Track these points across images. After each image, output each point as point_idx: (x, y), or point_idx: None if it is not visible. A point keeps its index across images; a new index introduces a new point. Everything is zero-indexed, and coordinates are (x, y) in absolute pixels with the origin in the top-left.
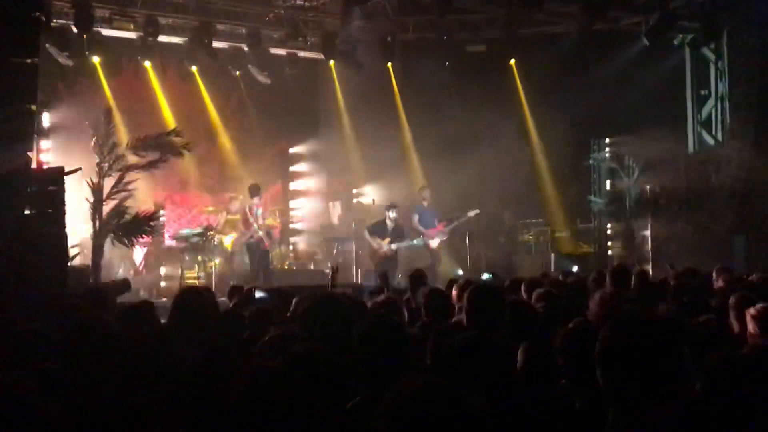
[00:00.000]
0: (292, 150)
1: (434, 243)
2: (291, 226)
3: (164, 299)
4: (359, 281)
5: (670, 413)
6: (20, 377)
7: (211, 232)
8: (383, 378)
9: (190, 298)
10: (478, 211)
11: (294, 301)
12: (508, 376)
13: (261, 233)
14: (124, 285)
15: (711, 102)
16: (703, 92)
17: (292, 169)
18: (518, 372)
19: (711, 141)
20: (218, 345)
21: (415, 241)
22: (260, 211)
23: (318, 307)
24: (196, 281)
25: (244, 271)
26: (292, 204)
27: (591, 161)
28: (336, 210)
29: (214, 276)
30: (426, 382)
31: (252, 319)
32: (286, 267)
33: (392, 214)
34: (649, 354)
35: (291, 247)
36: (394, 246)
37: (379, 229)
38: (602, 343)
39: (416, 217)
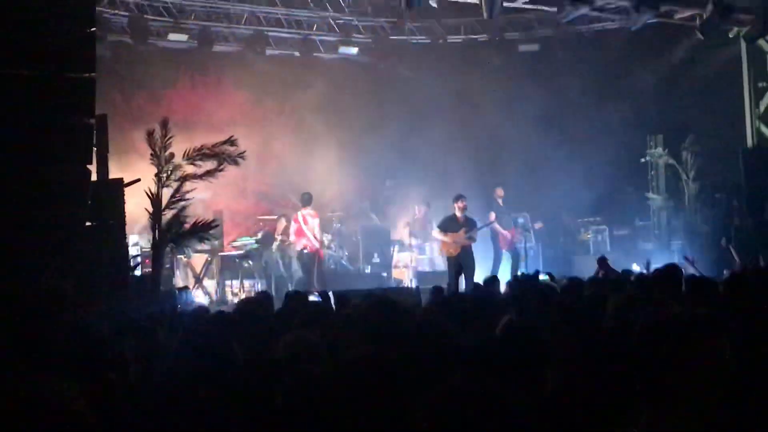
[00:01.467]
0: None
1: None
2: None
3: (224, 307)
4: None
5: None
6: (66, 385)
7: (280, 238)
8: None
9: (251, 308)
10: (542, 225)
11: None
12: None
13: (316, 245)
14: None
15: None
16: (760, 84)
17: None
18: None
19: None
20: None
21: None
22: (317, 222)
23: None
24: (255, 288)
25: (301, 277)
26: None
27: (648, 158)
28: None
29: (273, 282)
30: (465, 381)
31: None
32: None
33: (461, 204)
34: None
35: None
36: (468, 236)
37: (449, 224)
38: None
39: (493, 215)
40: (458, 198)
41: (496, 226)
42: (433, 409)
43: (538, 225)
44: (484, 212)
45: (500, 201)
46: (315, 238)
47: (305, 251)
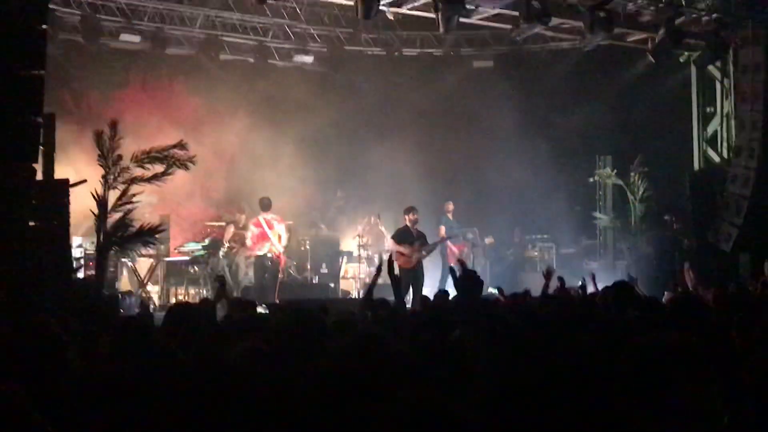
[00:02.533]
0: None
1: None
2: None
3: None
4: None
5: None
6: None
7: (228, 245)
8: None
9: (183, 313)
10: (492, 241)
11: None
12: None
13: (281, 250)
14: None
15: (717, 119)
16: (708, 109)
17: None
18: None
19: (716, 158)
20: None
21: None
22: (283, 227)
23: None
24: (199, 295)
25: (249, 284)
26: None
27: (596, 178)
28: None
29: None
30: (421, 396)
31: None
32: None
33: (412, 217)
34: None
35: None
36: (424, 252)
37: (404, 236)
38: None
39: (443, 229)
40: (410, 210)
41: (447, 242)
42: (387, 422)
43: (488, 240)
44: (434, 226)
45: (450, 215)
46: (280, 243)
47: (269, 255)
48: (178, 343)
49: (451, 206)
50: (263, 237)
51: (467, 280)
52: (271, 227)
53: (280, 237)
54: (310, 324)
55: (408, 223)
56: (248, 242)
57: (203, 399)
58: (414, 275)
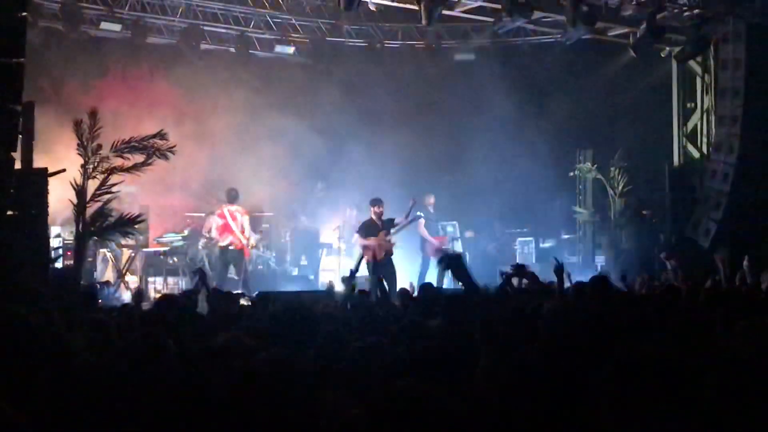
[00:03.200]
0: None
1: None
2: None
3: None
4: None
5: None
6: None
7: (207, 236)
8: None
9: (169, 304)
10: (472, 234)
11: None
12: None
13: (244, 242)
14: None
15: (697, 115)
16: (689, 105)
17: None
18: None
19: (696, 154)
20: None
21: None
22: (246, 219)
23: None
24: (178, 285)
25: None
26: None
27: (576, 172)
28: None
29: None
30: (406, 386)
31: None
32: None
33: (377, 209)
34: None
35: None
36: (392, 238)
37: (369, 229)
38: None
39: (422, 222)
40: (375, 202)
41: (423, 231)
42: (377, 413)
43: (468, 233)
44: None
45: (430, 208)
46: (243, 235)
47: (231, 248)
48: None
49: (431, 199)
50: (226, 228)
51: (451, 259)
52: (234, 219)
53: (243, 229)
54: (300, 317)
55: (373, 216)
56: (213, 233)
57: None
58: (384, 268)
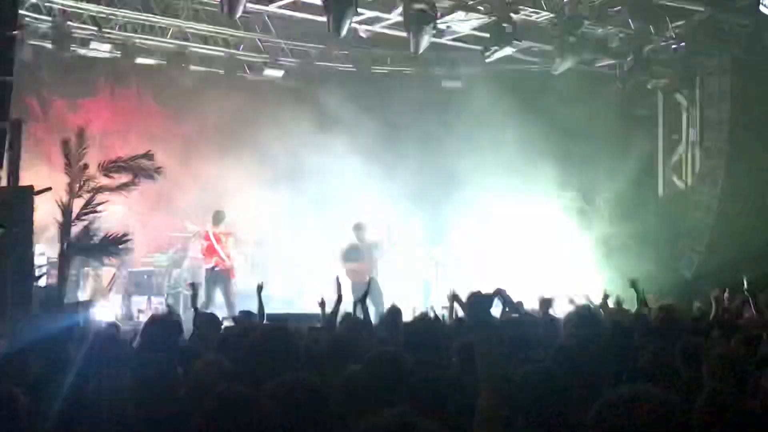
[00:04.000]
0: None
1: None
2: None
3: (130, 323)
4: None
5: None
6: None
7: (192, 257)
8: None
9: (156, 327)
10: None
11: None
12: None
13: (229, 264)
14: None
15: (682, 147)
16: (674, 136)
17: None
18: None
19: (681, 185)
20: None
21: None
22: (232, 241)
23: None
24: (162, 306)
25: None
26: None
27: (560, 200)
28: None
29: (181, 301)
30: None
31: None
32: None
33: (359, 234)
34: None
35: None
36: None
37: (353, 253)
38: None
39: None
40: (357, 228)
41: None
42: None
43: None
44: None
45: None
46: (228, 257)
47: (216, 269)
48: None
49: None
50: (211, 250)
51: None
52: (218, 240)
53: (227, 251)
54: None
55: (357, 240)
56: (199, 255)
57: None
58: (369, 289)
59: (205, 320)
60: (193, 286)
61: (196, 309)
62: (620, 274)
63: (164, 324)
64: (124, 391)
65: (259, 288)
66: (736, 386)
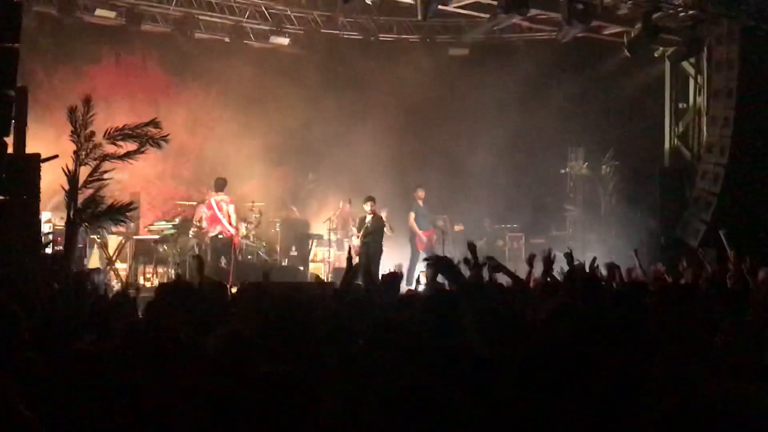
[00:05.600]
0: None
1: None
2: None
3: (132, 291)
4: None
5: None
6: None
7: (197, 225)
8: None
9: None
10: (462, 227)
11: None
12: None
13: (232, 231)
14: None
15: (689, 115)
16: (681, 105)
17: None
18: None
19: (688, 154)
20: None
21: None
22: (232, 207)
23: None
24: (167, 274)
25: (216, 265)
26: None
27: (568, 169)
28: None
29: (188, 269)
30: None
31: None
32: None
33: (367, 207)
34: None
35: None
36: (356, 240)
37: (360, 226)
38: None
39: (412, 215)
40: (366, 200)
41: (413, 225)
42: (384, 408)
43: (458, 227)
44: (405, 212)
45: (420, 202)
46: (230, 224)
47: (220, 236)
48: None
49: (422, 193)
50: (214, 218)
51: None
52: (220, 209)
53: (230, 218)
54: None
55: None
56: (203, 224)
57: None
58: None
59: (213, 287)
60: (199, 258)
61: (202, 278)
62: (625, 244)
63: (177, 290)
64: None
65: (266, 275)
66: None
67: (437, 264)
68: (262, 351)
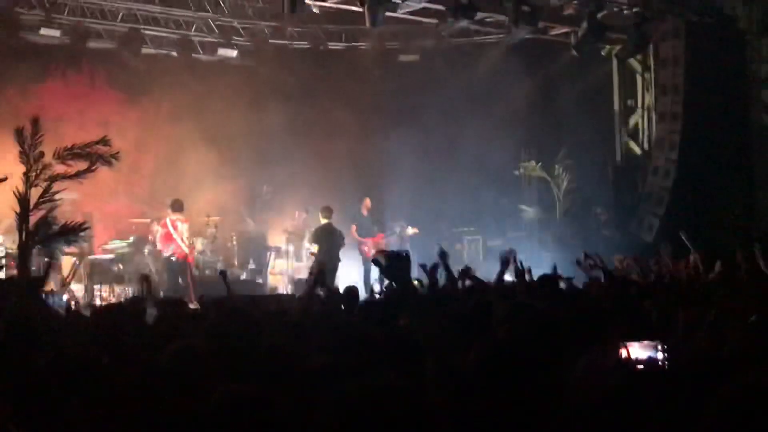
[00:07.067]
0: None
1: (367, 248)
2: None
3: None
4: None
5: None
6: None
7: (152, 243)
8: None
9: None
10: (417, 231)
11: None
12: None
13: (186, 250)
14: None
15: (638, 112)
16: (629, 102)
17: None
18: None
19: (638, 151)
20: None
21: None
22: (186, 227)
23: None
24: (124, 293)
25: (175, 285)
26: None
27: (521, 170)
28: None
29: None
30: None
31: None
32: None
33: (322, 219)
34: None
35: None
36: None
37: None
38: None
39: (353, 227)
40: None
41: (354, 236)
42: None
43: (412, 230)
44: (349, 223)
45: (365, 211)
46: (184, 243)
47: (173, 257)
48: (104, 348)
49: (368, 202)
50: (168, 237)
51: (396, 259)
52: (175, 227)
53: (182, 236)
54: (246, 321)
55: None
56: (158, 244)
57: (131, 405)
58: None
59: (170, 304)
60: (147, 278)
61: (154, 298)
62: (583, 243)
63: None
64: None
65: (223, 274)
66: None
67: (384, 259)
68: (217, 367)
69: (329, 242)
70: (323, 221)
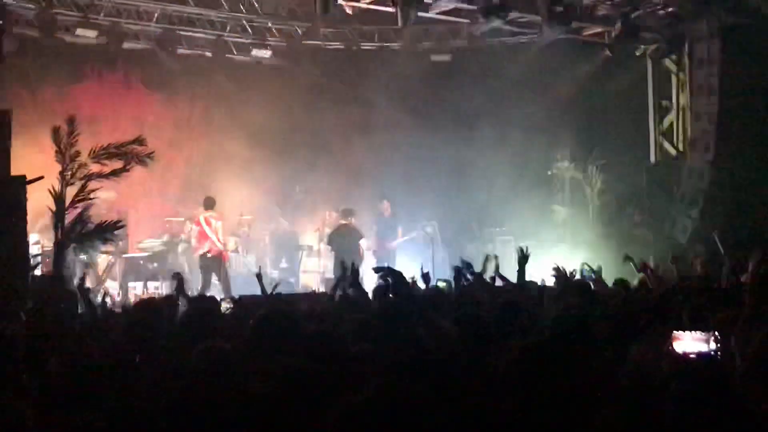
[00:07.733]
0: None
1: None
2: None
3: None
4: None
5: None
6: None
7: (185, 241)
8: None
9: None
10: (435, 223)
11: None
12: None
13: (220, 247)
14: None
15: (672, 113)
16: (664, 103)
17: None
18: None
19: (673, 151)
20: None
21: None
22: (221, 224)
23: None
24: (158, 291)
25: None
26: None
27: (554, 170)
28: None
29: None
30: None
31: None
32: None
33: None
34: None
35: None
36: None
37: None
38: None
39: (374, 228)
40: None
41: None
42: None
43: (430, 228)
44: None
45: (386, 214)
46: (219, 240)
47: (209, 254)
48: (137, 347)
49: (387, 204)
50: (202, 234)
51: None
52: (209, 224)
53: (217, 233)
54: (286, 319)
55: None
56: (193, 241)
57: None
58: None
59: (202, 303)
60: (179, 277)
61: (186, 296)
62: (616, 245)
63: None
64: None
65: (259, 276)
66: None
67: (388, 276)
68: (247, 366)
69: (339, 243)
70: (340, 222)
